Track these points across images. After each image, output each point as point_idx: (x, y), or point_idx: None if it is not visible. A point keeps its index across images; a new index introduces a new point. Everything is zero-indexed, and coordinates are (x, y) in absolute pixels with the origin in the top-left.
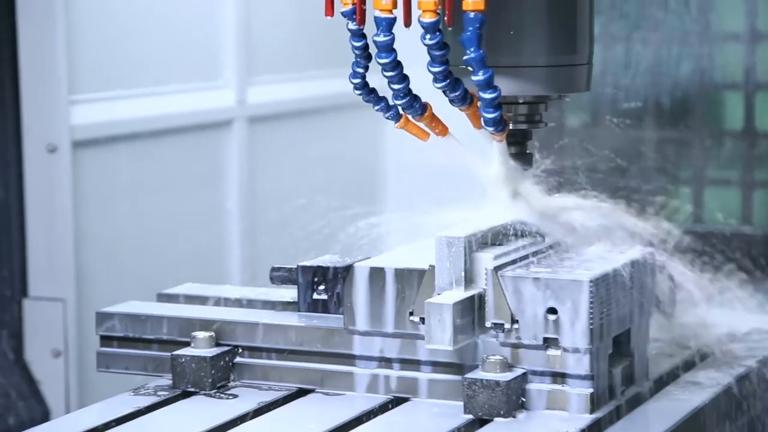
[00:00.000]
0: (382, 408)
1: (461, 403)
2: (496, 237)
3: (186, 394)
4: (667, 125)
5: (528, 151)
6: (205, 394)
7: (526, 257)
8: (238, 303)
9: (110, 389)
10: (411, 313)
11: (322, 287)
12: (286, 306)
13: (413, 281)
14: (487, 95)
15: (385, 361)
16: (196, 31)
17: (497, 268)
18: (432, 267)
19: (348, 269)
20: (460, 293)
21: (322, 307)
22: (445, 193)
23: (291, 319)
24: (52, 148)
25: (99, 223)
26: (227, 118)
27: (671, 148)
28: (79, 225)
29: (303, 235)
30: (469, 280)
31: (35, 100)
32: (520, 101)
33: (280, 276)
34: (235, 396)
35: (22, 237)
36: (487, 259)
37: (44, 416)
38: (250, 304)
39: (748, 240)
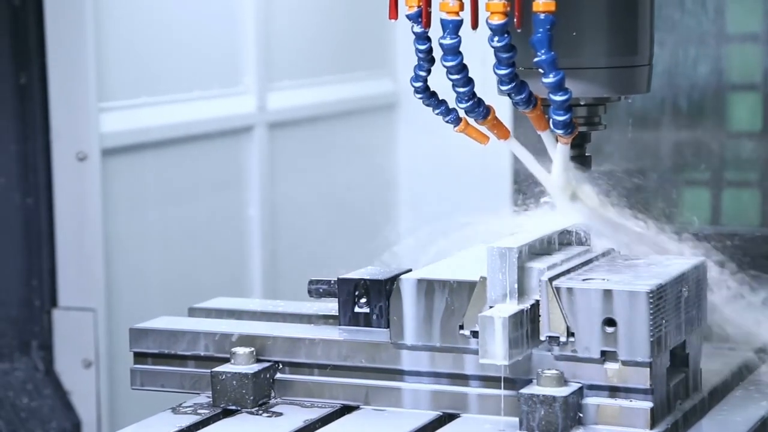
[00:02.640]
0: (433, 424)
1: (513, 419)
2: (545, 246)
3: (227, 413)
4: (684, 126)
5: (586, 154)
6: (247, 412)
7: (579, 267)
8: (274, 317)
9: (142, 400)
10: (461, 327)
11: (363, 300)
12: (325, 320)
13: (463, 293)
14: (558, 97)
15: (434, 376)
16: (216, 38)
17: (552, 279)
18: (483, 279)
19: (391, 281)
20: (514, 306)
21: (363, 320)
22: (457, 196)
23: (333, 333)
24: (82, 156)
25: (128, 231)
26: (248, 124)
27: (688, 149)
28: (108, 233)
29: (324, 240)
30: (521, 292)
31: (65, 108)
32: (581, 103)
33: (319, 289)
34: (279, 414)
35: (52, 246)
36: (540, 270)
37: (75, 427)
38: (286, 318)
39: (766, 242)
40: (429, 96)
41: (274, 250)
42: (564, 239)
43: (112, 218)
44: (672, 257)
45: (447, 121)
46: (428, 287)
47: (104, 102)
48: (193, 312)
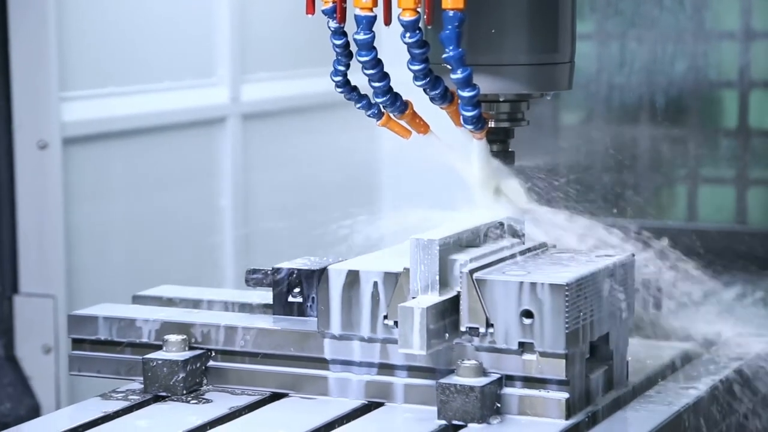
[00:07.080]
0: (356, 413)
1: (434, 408)
2: (473, 238)
3: (157, 399)
4: (661, 123)
5: (510, 149)
6: (176, 399)
7: (503, 260)
8: (215, 305)
9: (101, 386)
10: (385, 317)
11: (297, 290)
12: (262, 309)
13: (388, 284)
14: (466, 93)
15: (359, 365)
16: (189, 28)
17: (472, 271)
18: (406, 270)
19: (323, 272)
20: (435, 297)
21: (297, 310)
22: (440, 191)
23: (265, 322)
24: (42, 144)
25: (90, 219)
26: (221, 115)
27: (666, 146)
28: (69, 222)
29: (296, 232)
30: (444, 283)
31: (26, 96)
32: (501, 99)
33: (255, 279)
34: (208, 401)
35: (13, 233)
36: (462, 262)
37: (35, 412)
38: (227, 306)
39: (741, 238)
40: (350, 90)
41: (246, 241)
42: (497, 232)
43: (75, 206)
44: (602, 252)
45: (369, 116)
46: (355, 278)
47: (66, 91)
48: (137, 299)
